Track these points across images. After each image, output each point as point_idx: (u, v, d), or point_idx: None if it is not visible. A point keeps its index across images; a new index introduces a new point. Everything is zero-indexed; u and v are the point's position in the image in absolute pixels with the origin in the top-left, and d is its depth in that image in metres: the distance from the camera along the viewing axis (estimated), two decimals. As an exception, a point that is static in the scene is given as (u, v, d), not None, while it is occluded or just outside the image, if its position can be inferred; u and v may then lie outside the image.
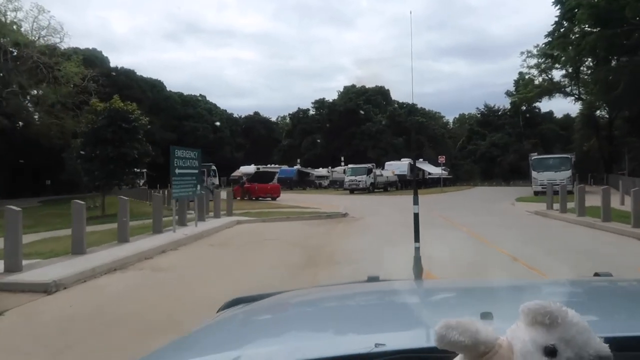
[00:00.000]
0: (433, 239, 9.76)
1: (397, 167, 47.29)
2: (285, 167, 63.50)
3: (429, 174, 50.72)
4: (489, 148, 75.64)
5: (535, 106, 77.84)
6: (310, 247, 11.59)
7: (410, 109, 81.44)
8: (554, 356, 0.67)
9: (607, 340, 0.78)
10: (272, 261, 9.58)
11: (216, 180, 40.17)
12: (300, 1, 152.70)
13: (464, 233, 13.77)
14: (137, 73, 71.88)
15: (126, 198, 12.33)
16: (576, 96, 44.03)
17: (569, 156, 30.76)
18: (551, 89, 44.24)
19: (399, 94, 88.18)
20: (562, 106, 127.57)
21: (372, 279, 1.92)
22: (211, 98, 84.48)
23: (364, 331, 1.12)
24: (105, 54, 77.23)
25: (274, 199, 32.47)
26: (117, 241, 11.77)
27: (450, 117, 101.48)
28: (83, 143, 26.30)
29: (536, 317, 0.70)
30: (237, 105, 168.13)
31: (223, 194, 38.53)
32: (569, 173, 29.45)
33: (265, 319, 1.54)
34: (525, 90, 46.65)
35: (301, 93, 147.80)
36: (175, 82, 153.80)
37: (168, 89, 77.89)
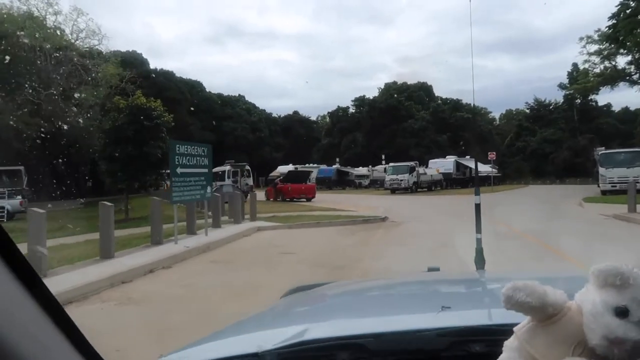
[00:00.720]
0: (501, 256, 7.94)
1: (442, 164, 43.74)
2: (323, 166, 60.92)
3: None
4: (540, 144, 70.52)
5: (591, 99, 71.97)
6: (336, 267, 8.85)
7: (455, 105, 77.21)
8: (626, 316, 0.65)
9: None
10: (277, 292, 6.94)
11: (250, 181, 37.99)
12: (339, 1, 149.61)
13: (538, 246, 10.69)
14: (177, 74, 71.13)
15: (108, 205, 9.95)
16: (642, 85, 39.25)
17: (642, 150, 26.70)
18: (615, 77, 39.56)
19: (441, 92, 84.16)
20: (622, 99, 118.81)
21: (433, 270, 1.97)
22: (252, 99, 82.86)
23: (419, 311, 1.14)
24: (149, 58, 77.30)
25: (309, 200, 29.92)
26: (99, 257, 9.42)
27: (496, 113, 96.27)
28: (105, 143, 24.51)
29: (607, 279, 0.68)
30: (278, 105, 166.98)
31: (260, 195, 36.53)
32: (643, 169, 25.46)
33: (326, 302, 1.57)
34: (585, 80, 42.07)
35: (341, 92, 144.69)
36: (217, 85, 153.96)
37: (208, 90, 76.94)
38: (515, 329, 0.77)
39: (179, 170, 11.08)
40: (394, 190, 38.83)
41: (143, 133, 23.00)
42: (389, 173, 39.57)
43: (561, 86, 72.33)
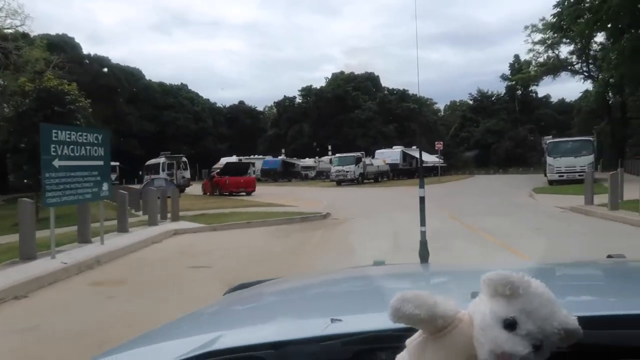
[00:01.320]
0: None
1: (389, 155, 42.37)
2: (270, 157, 58.46)
3: (424, 162, 45.97)
4: (483, 135, 70.97)
5: (531, 90, 73.27)
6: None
7: (401, 95, 76.51)
8: (514, 329, 0.62)
9: (591, 318, 0.76)
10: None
11: (187, 174, 34.99)
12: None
13: (496, 246, 8.92)
14: (117, 62, 66.25)
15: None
16: (585, 74, 39.34)
17: (591, 139, 25.95)
18: (558, 66, 39.43)
19: (388, 83, 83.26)
20: (562, 90, 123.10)
21: (378, 263, 1.92)
22: (198, 90, 78.84)
23: (339, 313, 1.06)
24: (89, 46, 71.91)
25: (248, 193, 27.52)
26: None
27: (440, 104, 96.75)
28: (9, 132, 21.04)
29: (497, 288, 0.65)
30: (224, 96, 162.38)
31: (197, 189, 33.66)
32: (591, 158, 24.67)
33: (255, 304, 1.54)
34: (528, 70, 41.81)
35: (289, 84, 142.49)
36: (162, 75, 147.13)
37: (147, 78, 72.36)
38: (407, 342, 0.72)
39: (57, 163, 8.46)
40: (340, 182, 37.03)
41: (53, 120, 19.77)
42: (335, 164, 37.73)
43: (503, 77, 73.10)
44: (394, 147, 45.53)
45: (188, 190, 34.22)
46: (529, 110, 71.84)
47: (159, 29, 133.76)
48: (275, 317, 1.27)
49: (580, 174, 24.63)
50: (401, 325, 0.73)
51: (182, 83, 76.73)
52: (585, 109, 60.68)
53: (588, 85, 40.55)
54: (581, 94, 61.49)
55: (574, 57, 39.92)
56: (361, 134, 67.06)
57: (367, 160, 38.86)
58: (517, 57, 74.35)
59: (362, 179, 37.13)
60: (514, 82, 71.22)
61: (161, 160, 34.77)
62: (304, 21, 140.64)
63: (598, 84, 33.27)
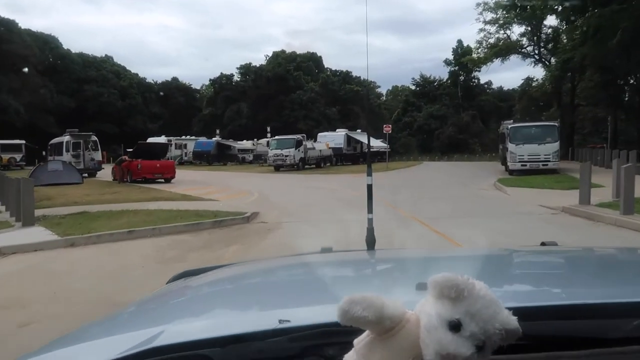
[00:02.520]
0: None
1: (332, 138, 38.38)
2: (203, 138, 52.93)
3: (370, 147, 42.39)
4: (426, 120, 68.71)
5: (473, 76, 71.77)
6: None
7: (345, 77, 72.74)
8: (458, 330, 0.64)
9: (526, 309, 0.78)
10: None
11: (98, 155, 29.31)
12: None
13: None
14: (23, 26, 57.63)
15: None
16: (536, 58, 36.98)
17: (556, 124, 23.03)
18: (510, 47, 36.78)
19: (331, 66, 79.27)
20: (498, 80, 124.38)
21: (326, 250, 1.89)
22: (134, 67, 71.27)
23: (286, 305, 1.08)
24: (9, 15, 62.70)
25: (167, 180, 22.64)
26: None
27: (382, 90, 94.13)
28: None
29: (443, 290, 0.66)
30: (162, 74, 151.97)
31: (107, 174, 28.05)
32: (556, 146, 21.79)
33: (198, 293, 1.45)
34: (477, 52, 39.02)
35: (230, 64, 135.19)
36: (92, 49, 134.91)
37: (66, 47, 64.02)
38: (354, 342, 0.72)
39: None
40: (278, 168, 32.68)
41: None
42: (272, 148, 33.29)
43: (447, 62, 71.10)
44: (337, 130, 41.58)
45: (100, 174, 28.71)
46: (470, 97, 70.29)
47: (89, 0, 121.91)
48: (220, 309, 1.22)
49: (544, 163, 21.76)
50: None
51: (106, 55, 68.86)
52: (528, 96, 59.79)
53: (539, 70, 38.24)
54: (523, 80, 60.81)
55: (525, 39, 37.42)
56: (303, 116, 62.87)
57: (309, 144, 34.72)
58: (460, 41, 72.84)
59: (302, 165, 32.99)
60: (463, 64, 69.21)
61: (65, 138, 28.93)
62: (243, 1, 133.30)
63: (554, 67, 30.75)
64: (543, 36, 36.12)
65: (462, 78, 71.00)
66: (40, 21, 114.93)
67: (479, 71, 71.11)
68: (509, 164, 22.40)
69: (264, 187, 20.34)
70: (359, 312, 0.67)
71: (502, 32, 36.61)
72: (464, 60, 39.42)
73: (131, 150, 24.40)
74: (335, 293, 0.95)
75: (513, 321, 0.67)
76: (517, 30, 36.71)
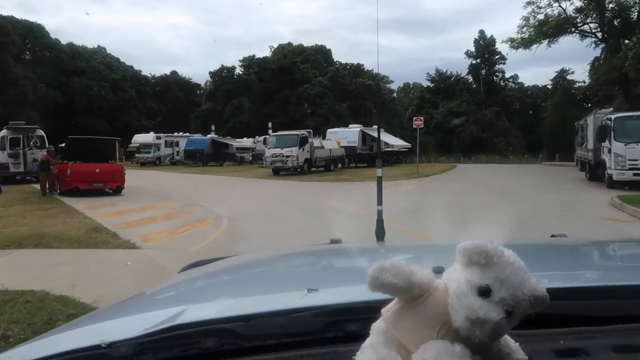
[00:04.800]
0: None
1: (345, 135, 30.73)
2: (198, 135, 45.57)
3: (387, 145, 34.70)
4: (445, 117, 60.83)
5: (496, 70, 63.85)
6: None
7: (356, 70, 65.05)
8: (488, 296, 0.63)
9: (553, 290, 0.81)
10: None
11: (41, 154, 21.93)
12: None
13: None
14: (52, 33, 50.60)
15: None
16: (597, 38, 29.14)
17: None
18: (562, 25, 28.97)
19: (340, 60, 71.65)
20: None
21: (335, 242, 1.86)
22: (142, 65, 63.96)
23: (305, 287, 1.05)
24: (20, 14, 56.02)
25: (115, 191, 15.28)
26: None
27: (394, 85, 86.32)
28: None
29: (472, 257, 0.65)
30: (166, 71, 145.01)
31: None
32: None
33: (218, 279, 1.43)
34: (522, 32, 31.19)
35: (236, 62, 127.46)
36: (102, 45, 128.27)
37: (54, 37, 56.86)
38: (382, 310, 0.71)
39: None
40: (277, 171, 25.22)
41: None
42: (270, 145, 25.71)
43: (468, 54, 63.17)
44: (350, 125, 33.90)
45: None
46: (494, 92, 62.29)
47: None
48: (242, 292, 1.19)
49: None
50: (370, 297, 0.72)
51: (98, 46, 61.64)
52: (563, 90, 51.80)
53: (598, 52, 30.30)
54: (557, 72, 52.80)
55: (580, 15, 29.57)
56: (310, 112, 55.32)
57: (316, 142, 27.16)
58: (482, 32, 64.89)
59: (308, 167, 25.49)
60: (484, 56, 61.65)
61: (1, 133, 21.66)
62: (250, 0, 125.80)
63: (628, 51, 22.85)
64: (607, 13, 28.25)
65: (483, 72, 63.08)
66: (51, 20, 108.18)
67: (504, 64, 63.58)
68: (612, 171, 14.68)
69: (247, 205, 12.93)
70: (389, 279, 0.66)
71: (555, 4, 28.79)
72: (514, 41, 31.31)
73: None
74: (349, 278, 0.95)
75: (541, 288, 0.67)
76: (569, 6, 28.90)
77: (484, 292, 0.63)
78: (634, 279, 1.02)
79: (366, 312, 0.74)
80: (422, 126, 23.24)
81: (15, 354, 0.84)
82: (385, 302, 0.70)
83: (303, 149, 25.09)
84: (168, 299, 1.17)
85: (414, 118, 24.04)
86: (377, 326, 0.70)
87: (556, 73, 52.57)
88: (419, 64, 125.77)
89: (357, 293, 0.79)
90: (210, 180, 23.05)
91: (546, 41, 31.33)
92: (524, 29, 31.07)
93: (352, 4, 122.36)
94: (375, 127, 36.89)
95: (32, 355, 0.79)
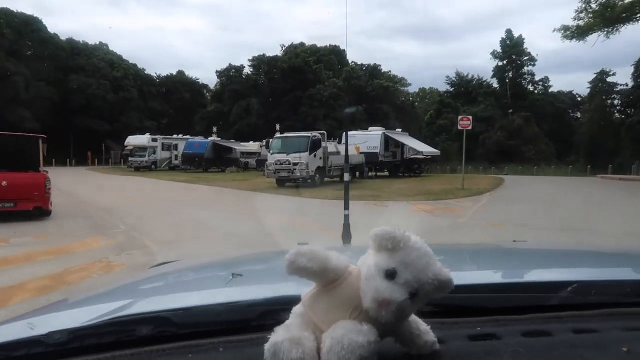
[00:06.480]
0: None
1: (364, 140, 25.14)
2: (199, 138, 40.37)
3: (416, 152, 29.06)
4: (469, 122, 54.90)
5: (525, 72, 57.93)
6: None
7: (372, 72, 59.55)
8: (394, 278, 0.65)
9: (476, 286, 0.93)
10: None
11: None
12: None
13: None
14: (77, 39, 46.00)
15: None
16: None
17: None
18: (616, 16, 23.33)
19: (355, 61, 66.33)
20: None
21: (302, 245, 1.55)
22: (156, 69, 59.39)
23: (256, 283, 1.12)
24: (41, 17, 52.00)
25: (34, 214, 10.01)
26: None
27: (411, 89, 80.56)
28: None
29: (381, 242, 0.68)
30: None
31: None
32: None
33: (169, 277, 1.45)
34: (580, 18, 25.55)
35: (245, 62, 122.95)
36: (116, 51, 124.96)
37: (52, 32, 52.24)
38: (302, 295, 0.74)
39: None
40: (282, 182, 19.79)
41: None
42: (274, 150, 20.22)
43: (495, 55, 57.34)
44: (370, 129, 28.33)
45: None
46: (522, 97, 56.36)
47: (113, 3, 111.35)
48: (190, 289, 1.21)
49: None
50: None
51: (100, 42, 56.90)
52: (602, 94, 45.86)
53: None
54: (596, 74, 46.75)
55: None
56: (323, 115, 49.88)
57: (331, 147, 21.65)
58: (509, 31, 59.07)
59: (321, 177, 20.02)
60: (511, 56, 55.81)
61: None
62: (264, 5, 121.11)
63: None
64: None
65: (510, 74, 57.24)
66: (68, 24, 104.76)
67: (533, 65, 57.70)
68: None
69: (226, 245, 7.55)
70: (305, 263, 0.68)
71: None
72: (569, 29, 25.60)
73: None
74: (293, 280, 0.93)
75: (445, 273, 0.69)
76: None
77: (390, 274, 0.66)
78: (550, 276, 1.14)
79: (297, 303, 0.76)
80: (469, 127, 17.60)
81: None
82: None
83: (315, 155, 19.64)
84: (122, 293, 1.17)
85: (460, 117, 18.43)
86: (296, 309, 0.72)
87: (595, 75, 46.56)
88: (431, 71, 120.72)
89: (298, 286, 0.81)
90: (197, 194, 17.73)
91: (604, 32, 25.66)
92: (582, 14, 25.32)
93: (368, 9, 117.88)
94: (399, 130, 31.42)
95: None
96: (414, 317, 0.71)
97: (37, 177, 10.09)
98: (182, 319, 0.81)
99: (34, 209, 9.98)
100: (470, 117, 18.39)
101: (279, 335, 0.66)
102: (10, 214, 9.77)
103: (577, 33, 25.98)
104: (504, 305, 0.88)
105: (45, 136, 10.81)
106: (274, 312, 0.82)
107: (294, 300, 0.78)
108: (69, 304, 1.14)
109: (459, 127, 17.88)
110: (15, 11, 49.05)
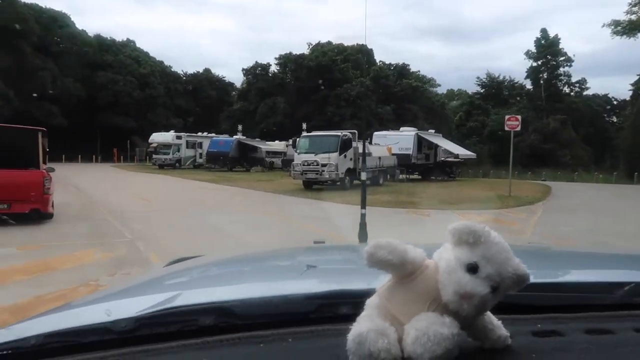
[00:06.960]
0: None
1: (396, 140, 23.43)
2: (225, 136, 39.31)
3: (450, 154, 27.23)
4: (500, 125, 52.35)
5: (561, 73, 55.00)
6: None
7: (401, 71, 57.56)
8: (475, 272, 0.66)
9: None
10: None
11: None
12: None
13: None
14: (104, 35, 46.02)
15: None
16: None
17: None
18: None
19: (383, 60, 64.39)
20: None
21: (318, 242, 1.88)
22: (184, 68, 59.09)
23: (294, 277, 1.12)
24: (71, 16, 52.41)
25: (32, 216, 8.79)
26: None
27: (440, 90, 77.98)
28: None
29: (461, 237, 0.68)
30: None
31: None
32: None
33: (206, 271, 1.42)
34: (635, 11, 23.27)
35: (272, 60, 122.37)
36: (144, 48, 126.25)
37: (80, 27, 52.12)
38: (377, 288, 0.74)
39: None
40: (309, 184, 18.29)
41: None
42: (301, 150, 18.72)
43: (529, 55, 54.55)
44: (402, 129, 26.53)
45: None
46: (557, 99, 53.47)
47: (141, 1, 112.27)
48: (236, 282, 1.20)
49: None
50: (358, 287, 0.78)
51: (127, 38, 56.54)
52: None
53: None
54: (638, 75, 43.67)
55: None
56: (350, 115, 48.22)
57: (360, 147, 20.04)
58: (544, 30, 56.22)
59: (350, 180, 18.43)
60: (546, 57, 53.02)
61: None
62: (291, 5, 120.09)
63: None
64: None
65: (545, 75, 54.41)
66: (98, 22, 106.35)
67: (570, 66, 54.70)
68: None
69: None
70: (384, 256, 0.68)
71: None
72: (622, 24, 23.34)
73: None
74: (332, 275, 1.02)
75: (523, 268, 0.69)
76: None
77: (472, 268, 0.66)
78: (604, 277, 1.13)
79: (356, 297, 0.77)
80: (518, 128, 15.76)
81: (23, 328, 0.82)
82: (369, 291, 0.74)
83: (344, 156, 18.08)
84: (164, 285, 1.15)
85: (507, 117, 16.55)
86: (371, 301, 0.72)
87: (638, 76, 43.56)
88: (457, 73, 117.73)
89: (346, 281, 0.82)
90: (218, 196, 16.42)
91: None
92: (636, 7, 23.03)
93: (392, 10, 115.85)
94: (432, 131, 29.56)
95: (41, 329, 0.78)
96: (487, 312, 0.71)
97: (34, 175, 8.83)
98: (242, 309, 0.81)
99: (31, 211, 8.71)
100: (519, 117, 16.50)
101: (362, 326, 0.66)
102: (3, 217, 8.52)
103: (629, 28, 23.69)
104: (560, 304, 0.86)
105: (45, 129, 9.58)
106: (329, 305, 0.83)
107: (347, 295, 0.81)
108: (108, 295, 1.11)
109: (506, 128, 16.01)
110: (44, 7, 48.98)
